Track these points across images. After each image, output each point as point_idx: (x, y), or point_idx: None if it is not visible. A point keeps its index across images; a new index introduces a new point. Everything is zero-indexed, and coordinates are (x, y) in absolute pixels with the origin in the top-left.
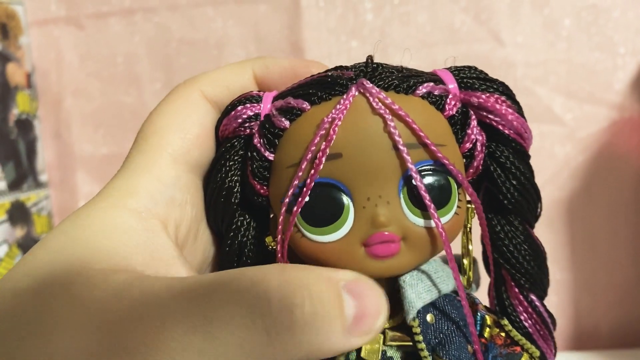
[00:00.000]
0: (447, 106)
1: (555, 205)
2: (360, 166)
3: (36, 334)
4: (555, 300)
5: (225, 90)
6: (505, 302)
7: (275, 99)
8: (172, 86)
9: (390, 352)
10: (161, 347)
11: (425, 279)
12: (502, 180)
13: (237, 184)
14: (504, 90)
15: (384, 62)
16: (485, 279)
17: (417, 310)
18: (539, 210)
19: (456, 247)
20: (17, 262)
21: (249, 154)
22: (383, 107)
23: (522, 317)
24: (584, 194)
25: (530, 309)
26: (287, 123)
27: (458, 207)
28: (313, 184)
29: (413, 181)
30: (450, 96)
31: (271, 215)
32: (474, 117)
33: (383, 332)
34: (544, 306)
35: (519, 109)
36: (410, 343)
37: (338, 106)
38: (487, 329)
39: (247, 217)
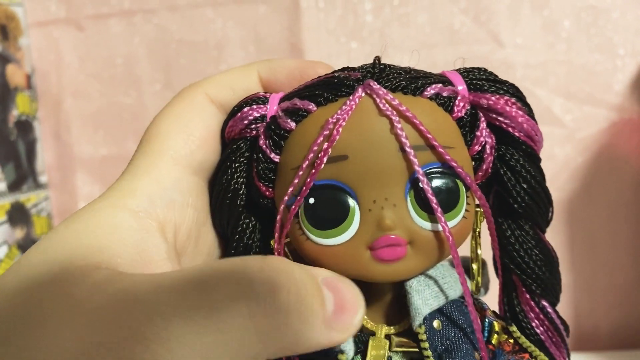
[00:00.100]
0: (455, 108)
1: (555, 206)
2: (367, 168)
3: (24, 330)
4: None
5: (231, 93)
6: (516, 308)
7: (282, 100)
8: (171, 87)
9: (395, 358)
10: (146, 338)
11: (432, 285)
12: (512, 184)
13: (243, 186)
14: (514, 92)
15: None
16: (494, 283)
17: (423, 316)
18: (550, 214)
19: (465, 250)
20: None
21: (255, 155)
22: (390, 108)
23: (533, 324)
24: (583, 195)
25: (542, 316)
26: (293, 124)
27: (466, 210)
28: (312, 184)
29: (420, 184)
30: (459, 98)
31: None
32: (483, 119)
33: (389, 338)
34: (556, 312)
35: (529, 111)
36: (417, 349)
37: (344, 107)
38: (495, 336)
39: (253, 219)
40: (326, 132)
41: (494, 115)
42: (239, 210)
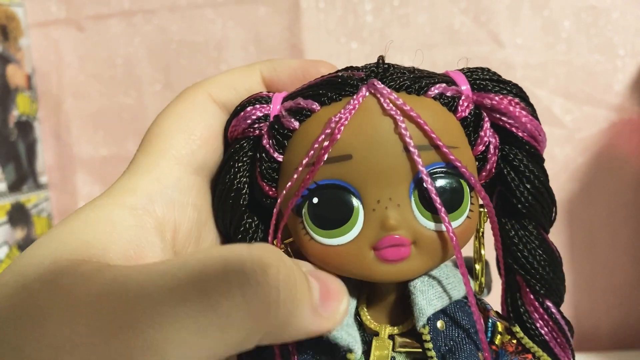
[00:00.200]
0: (459, 108)
1: None
2: (371, 168)
3: (19, 329)
4: None
5: (233, 92)
6: (520, 308)
7: (285, 100)
8: (171, 87)
9: (399, 359)
10: (141, 324)
11: (436, 285)
12: (515, 184)
13: (246, 186)
14: (518, 92)
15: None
16: (497, 283)
17: (427, 317)
18: (553, 214)
19: (468, 251)
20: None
21: (258, 155)
22: (394, 107)
23: (538, 325)
24: (583, 195)
25: (546, 316)
26: (296, 124)
27: (470, 210)
28: (316, 183)
29: (424, 184)
30: (462, 97)
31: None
32: (487, 119)
33: (392, 338)
34: (561, 313)
35: (532, 111)
36: (420, 350)
37: (347, 106)
38: (498, 336)
39: (256, 219)
40: (328, 131)
41: (498, 115)
42: (241, 210)
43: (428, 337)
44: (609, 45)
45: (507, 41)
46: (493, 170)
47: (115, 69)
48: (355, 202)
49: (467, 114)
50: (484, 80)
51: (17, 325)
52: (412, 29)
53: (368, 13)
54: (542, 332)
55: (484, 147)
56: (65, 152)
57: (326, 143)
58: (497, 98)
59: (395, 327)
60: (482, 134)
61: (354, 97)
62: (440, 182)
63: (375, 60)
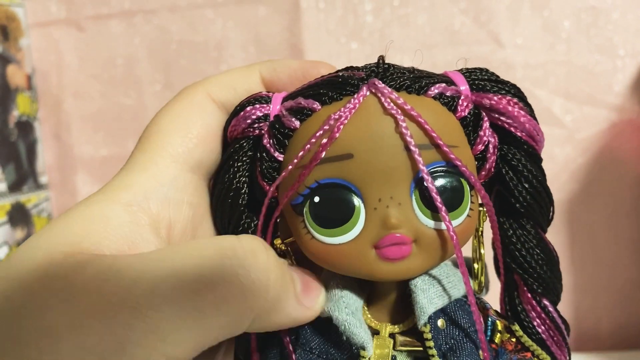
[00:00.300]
0: (459, 107)
1: (555, 206)
2: (372, 167)
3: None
4: None
5: (232, 92)
6: (518, 307)
7: (285, 99)
8: (171, 88)
9: (400, 358)
10: (140, 304)
11: (436, 284)
12: (514, 184)
13: (245, 185)
14: (516, 92)
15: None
16: (495, 283)
17: (428, 315)
18: (551, 213)
19: (467, 250)
20: None
21: (258, 154)
22: (395, 107)
23: (535, 323)
24: (583, 195)
25: (543, 315)
26: (297, 123)
27: (470, 209)
28: (311, 179)
29: (425, 183)
30: (462, 97)
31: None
32: (486, 118)
33: (393, 337)
34: (558, 312)
35: (530, 111)
36: (421, 348)
37: (348, 105)
38: (498, 335)
39: (255, 218)
40: (326, 127)
41: (496, 115)
42: (240, 210)
43: (429, 336)
44: (609, 45)
45: (507, 41)
46: (492, 170)
47: (115, 69)
48: (357, 201)
49: (466, 114)
50: (483, 80)
51: (14, 316)
52: (412, 29)
53: (368, 13)
54: (539, 330)
55: (483, 147)
56: (65, 152)
57: (324, 140)
58: (495, 98)
59: (396, 326)
60: (481, 133)
61: (355, 96)
62: (441, 181)
63: (376, 61)
